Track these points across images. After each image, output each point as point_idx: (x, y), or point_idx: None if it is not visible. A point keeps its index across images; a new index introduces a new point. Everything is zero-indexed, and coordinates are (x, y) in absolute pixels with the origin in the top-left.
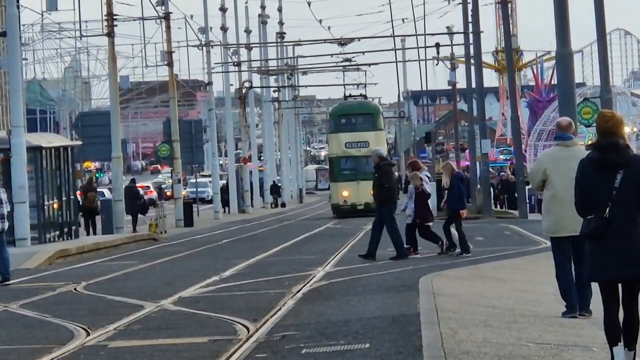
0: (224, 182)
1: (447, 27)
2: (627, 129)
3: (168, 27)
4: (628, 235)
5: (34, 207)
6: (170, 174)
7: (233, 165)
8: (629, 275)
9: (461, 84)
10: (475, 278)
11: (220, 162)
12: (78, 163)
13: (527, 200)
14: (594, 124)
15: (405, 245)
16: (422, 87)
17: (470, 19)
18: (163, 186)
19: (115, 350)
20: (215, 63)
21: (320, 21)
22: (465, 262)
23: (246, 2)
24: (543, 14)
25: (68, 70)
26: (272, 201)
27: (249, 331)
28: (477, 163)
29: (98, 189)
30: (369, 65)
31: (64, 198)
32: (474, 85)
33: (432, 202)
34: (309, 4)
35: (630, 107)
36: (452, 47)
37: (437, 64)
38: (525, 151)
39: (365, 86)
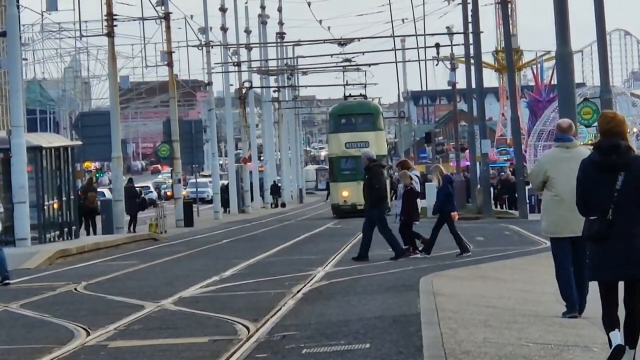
0: (225, 182)
1: (447, 28)
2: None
3: (168, 27)
4: (629, 236)
5: (34, 207)
6: (170, 174)
7: (233, 166)
8: (629, 275)
9: (461, 84)
10: (475, 278)
11: (220, 162)
12: (78, 163)
13: (527, 201)
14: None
15: (403, 246)
16: (422, 88)
17: (470, 19)
18: (163, 186)
19: (116, 350)
20: (215, 63)
21: (320, 21)
22: (465, 262)
23: (246, 2)
24: (543, 14)
25: (68, 71)
26: (272, 201)
27: (249, 331)
28: (477, 163)
29: (98, 189)
30: (369, 65)
31: (64, 198)
32: (474, 86)
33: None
34: (309, 4)
35: (630, 108)
36: (452, 48)
37: (437, 64)
38: (525, 151)
39: (365, 86)
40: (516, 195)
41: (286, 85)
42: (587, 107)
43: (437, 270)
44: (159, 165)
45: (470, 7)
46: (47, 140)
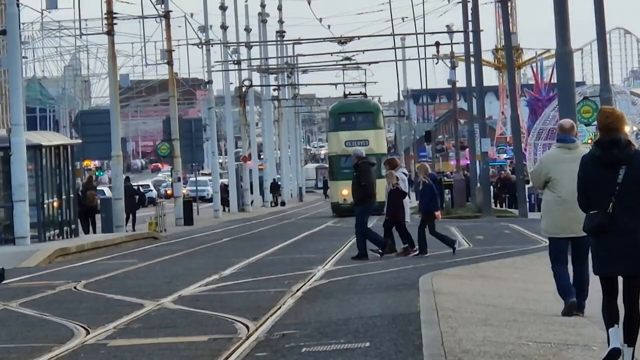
0: (225, 180)
1: (447, 26)
2: (626, 128)
3: (168, 26)
4: (630, 230)
5: (33, 206)
6: (170, 173)
7: (233, 164)
8: (630, 270)
9: (461, 82)
10: (475, 277)
11: (220, 161)
12: (78, 162)
13: (527, 199)
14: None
15: (403, 245)
16: (422, 86)
17: (470, 18)
18: (163, 185)
19: (115, 349)
20: (215, 61)
21: (320, 20)
22: (465, 260)
23: (246, 1)
24: (543, 13)
25: (68, 69)
26: (271, 200)
27: (248, 330)
28: (477, 162)
29: (98, 188)
30: (369, 63)
31: (63, 197)
32: (473, 84)
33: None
34: (309, 2)
35: (630, 106)
36: (452, 46)
37: (437, 63)
38: (525, 150)
39: (365, 85)
40: (516, 194)
41: (286, 83)
42: (587, 105)
43: (436, 269)
44: (159, 164)
45: (470, 5)
46: (47, 138)
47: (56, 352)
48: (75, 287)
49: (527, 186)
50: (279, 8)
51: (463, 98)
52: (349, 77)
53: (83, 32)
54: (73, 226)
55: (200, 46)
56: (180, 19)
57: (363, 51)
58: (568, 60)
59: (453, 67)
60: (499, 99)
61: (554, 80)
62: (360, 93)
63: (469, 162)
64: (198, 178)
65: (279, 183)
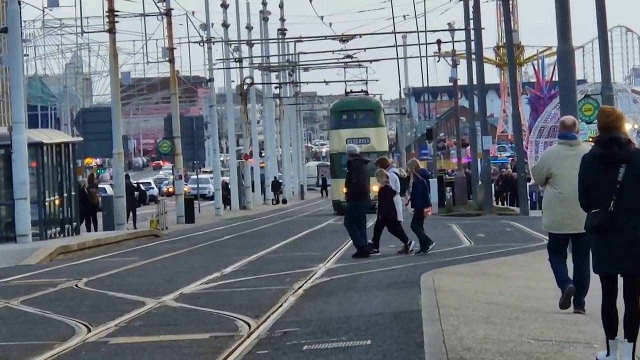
0: (227, 178)
1: (449, 24)
2: (628, 126)
3: (169, 24)
4: (631, 229)
5: (35, 204)
6: (171, 171)
7: (234, 162)
8: (630, 268)
9: (462, 80)
10: (476, 274)
11: (222, 159)
12: (79, 159)
13: (528, 197)
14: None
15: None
16: (423, 84)
17: (471, 16)
18: (165, 182)
19: (116, 346)
20: (217, 59)
21: (322, 18)
22: (466, 258)
23: None
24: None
25: (69, 67)
26: (273, 198)
27: (250, 328)
28: (479, 160)
29: (99, 185)
30: (370, 61)
31: (65, 194)
32: (475, 82)
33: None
34: (310, 0)
35: (631, 104)
36: (453, 44)
37: (438, 61)
38: (527, 148)
39: (366, 83)
40: (517, 192)
41: (287, 81)
42: (588, 103)
43: (438, 266)
44: (160, 162)
45: (471, 3)
46: (48, 136)
47: (57, 349)
48: (76, 285)
49: (528, 184)
50: (281, 6)
51: (464, 96)
52: (351, 75)
53: (84, 29)
54: (74, 224)
55: (201, 44)
56: (181, 17)
57: (364, 49)
58: (569, 58)
59: (454, 65)
60: (501, 96)
61: (556, 78)
62: (362, 91)
63: (470, 159)
64: (199, 176)
65: (280, 181)
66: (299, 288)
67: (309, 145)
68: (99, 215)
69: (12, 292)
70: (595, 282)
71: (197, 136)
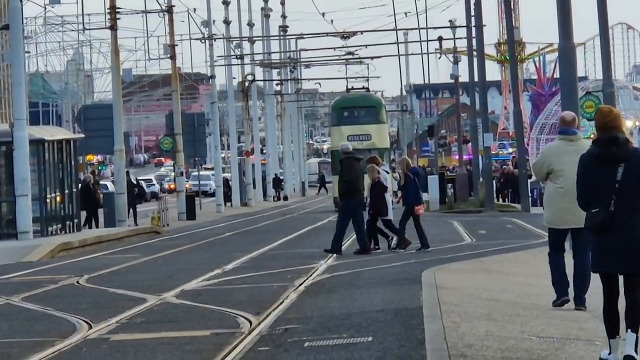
0: (228, 175)
1: (450, 21)
2: (629, 123)
3: (171, 20)
4: (630, 228)
5: (36, 200)
6: (172, 167)
7: (235, 159)
8: (629, 268)
9: (464, 77)
10: (477, 271)
11: (223, 156)
12: (81, 156)
13: (530, 194)
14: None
15: (367, 244)
16: (424, 81)
17: (472, 13)
18: (166, 179)
19: (118, 343)
20: (218, 56)
21: (323, 14)
22: (468, 255)
23: None
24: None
25: (71, 63)
26: (274, 194)
27: (251, 324)
28: (480, 156)
29: (101, 182)
30: (372, 58)
31: (66, 191)
32: (476, 79)
33: (434, 195)
34: None
35: (633, 101)
36: (454, 41)
37: (439, 58)
38: (528, 144)
39: (367, 79)
40: (519, 189)
41: (289, 78)
42: (589, 100)
43: (439, 263)
44: (162, 158)
45: (472, 0)
46: (50, 133)
47: (58, 346)
48: (77, 282)
49: (529, 181)
50: (282, 3)
51: (466, 93)
52: (352, 72)
53: (86, 26)
54: (75, 220)
55: (203, 41)
56: (183, 14)
57: (366, 46)
58: (571, 55)
59: (456, 61)
60: (502, 93)
61: (557, 75)
62: (363, 88)
63: (471, 156)
64: (201, 172)
65: (282, 178)
66: (300, 285)
67: (310, 142)
68: (100, 212)
69: (13, 289)
70: (595, 279)
71: (199, 133)
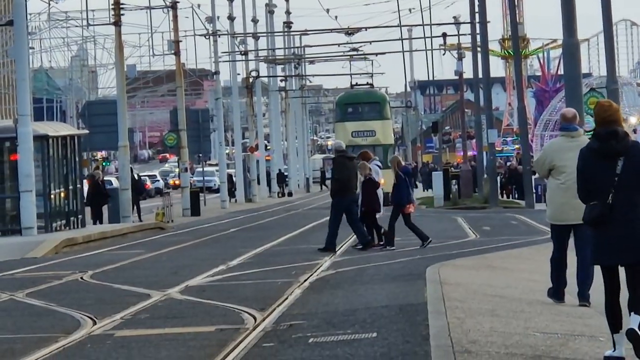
0: (232, 171)
1: (454, 17)
2: (633, 120)
3: (175, 16)
4: (629, 221)
5: (40, 196)
6: (177, 163)
7: (240, 155)
8: (630, 260)
9: (468, 73)
10: (482, 267)
11: (227, 152)
12: (85, 152)
13: (534, 190)
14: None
15: (367, 237)
16: (429, 77)
17: (477, 9)
18: (171, 175)
19: (122, 339)
20: (223, 52)
21: (328, 10)
22: (472, 251)
23: None
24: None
25: (75, 59)
26: (278, 190)
27: (255, 320)
28: (484, 153)
29: (105, 178)
30: (376, 54)
31: (70, 187)
32: (480, 75)
33: (438, 191)
34: None
35: (636, 98)
36: (459, 37)
37: (443, 54)
38: (532, 141)
39: (372, 76)
40: (523, 185)
41: (293, 74)
42: (593, 97)
43: (443, 259)
44: (166, 154)
45: None
46: (54, 129)
47: (63, 342)
48: (82, 278)
49: (533, 177)
50: None
51: (470, 89)
52: (356, 68)
53: (90, 22)
54: (80, 216)
55: (207, 37)
56: (187, 10)
57: (370, 42)
58: (575, 52)
59: (460, 58)
60: (506, 90)
61: (561, 71)
62: (367, 84)
63: (476, 152)
64: (205, 168)
65: (286, 174)
66: (304, 281)
67: (315, 138)
68: (104, 207)
69: (17, 285)
70: (599, 275)
71: (203, 129)
